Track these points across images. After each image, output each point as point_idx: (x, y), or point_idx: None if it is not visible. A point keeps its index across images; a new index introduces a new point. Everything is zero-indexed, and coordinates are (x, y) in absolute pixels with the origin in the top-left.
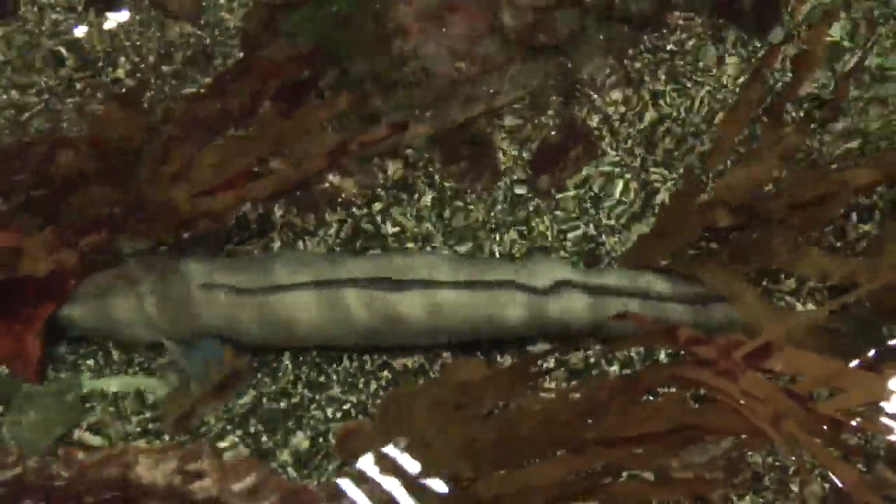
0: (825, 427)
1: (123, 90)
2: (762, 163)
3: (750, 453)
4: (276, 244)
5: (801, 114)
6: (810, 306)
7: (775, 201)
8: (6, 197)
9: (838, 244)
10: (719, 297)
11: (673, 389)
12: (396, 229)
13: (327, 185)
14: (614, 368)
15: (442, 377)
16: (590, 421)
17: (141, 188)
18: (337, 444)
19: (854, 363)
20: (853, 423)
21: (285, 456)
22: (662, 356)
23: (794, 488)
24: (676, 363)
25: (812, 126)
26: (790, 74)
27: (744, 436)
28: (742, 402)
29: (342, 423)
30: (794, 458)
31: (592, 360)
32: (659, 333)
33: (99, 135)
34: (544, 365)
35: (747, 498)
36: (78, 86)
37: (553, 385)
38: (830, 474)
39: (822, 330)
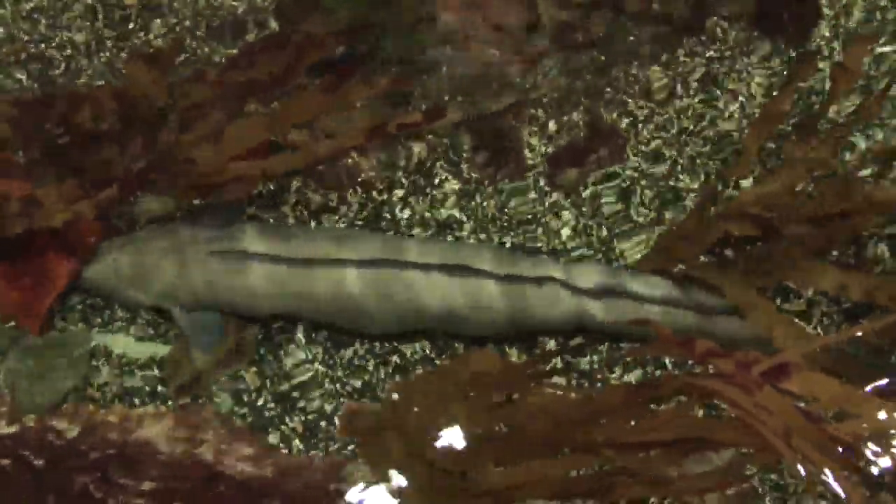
0: (837, 448)
1: (153, 50)
2: (786, 175)
3: (748, 471)
4: (292, 218)
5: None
6: (819, 330)
7: (796, 215)
8: (27, 148)
9: (854, 262)
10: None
11: (682, 399)
12: (409, 215)
13: (349, 163)
14: (616, 374)
15: (453, 366)
16: (599, 423)
17: (165, 146)
18: (341, 424)
19: (867, 389)
20: (865, 449)
21: (290, 430)
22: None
23: None
24: (689, 373)
25: (839, 141)
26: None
27: (749, 449)
28: (755, 414)
29: (347, 403)
30: (801, 476)
31: (597, 365)
32: (676, 343)
33: (123, 90)
34: (557, 363)
35: None
36: (109, 43)
37: (563, 382)
38: (834, 495)
39: (835, 353)
